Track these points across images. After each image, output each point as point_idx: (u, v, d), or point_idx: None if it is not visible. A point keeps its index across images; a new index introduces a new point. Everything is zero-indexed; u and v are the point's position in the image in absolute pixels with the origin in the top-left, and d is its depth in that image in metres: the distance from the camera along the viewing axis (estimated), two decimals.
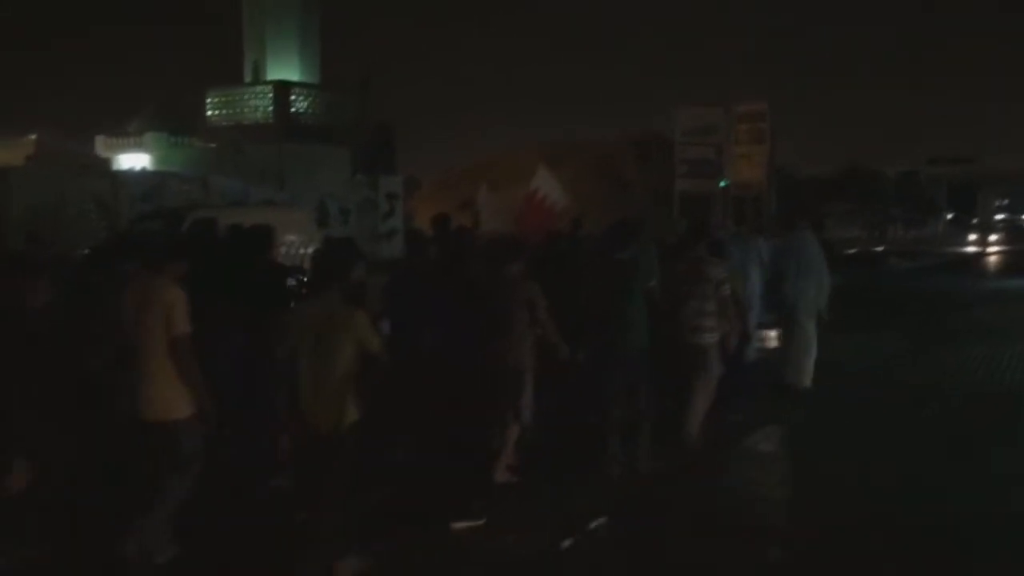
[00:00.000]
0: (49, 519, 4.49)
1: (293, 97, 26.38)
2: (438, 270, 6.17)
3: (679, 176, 34.46)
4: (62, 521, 4.55)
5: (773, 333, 9.88)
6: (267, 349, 4.43)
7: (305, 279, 6.65)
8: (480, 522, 5.22)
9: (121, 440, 4.59)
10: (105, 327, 4.68)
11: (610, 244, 6.36)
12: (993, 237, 47.58)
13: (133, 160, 29.51)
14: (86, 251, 6.51)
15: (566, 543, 5.07)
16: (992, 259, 33.16)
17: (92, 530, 4.60)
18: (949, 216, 59.90)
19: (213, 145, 27.60)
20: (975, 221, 59.63)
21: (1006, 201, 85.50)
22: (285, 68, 26.56)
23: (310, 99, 27.06)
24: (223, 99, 27.44)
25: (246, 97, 27.18)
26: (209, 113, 27.48)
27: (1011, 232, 52.57)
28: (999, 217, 73.71)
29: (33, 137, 29.93)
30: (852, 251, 35.79)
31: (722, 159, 33.79)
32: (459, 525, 5.20)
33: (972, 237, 47.94)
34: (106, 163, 30.05)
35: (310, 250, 17.86)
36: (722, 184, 33.37)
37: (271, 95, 26.23)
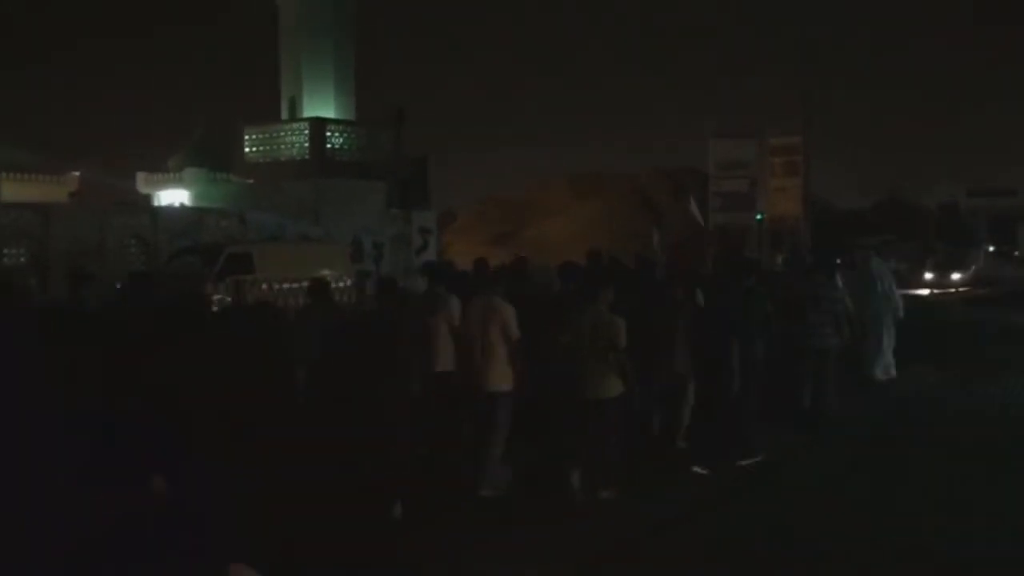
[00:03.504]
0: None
1: (328, 133, 26.52)
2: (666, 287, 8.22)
3: (713, 210, 34.28)
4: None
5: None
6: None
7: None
8: (759, 459, 7.36)
9: (458, 407, 6.68)
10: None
11: (737, 276, 8.22)
12: (957, 276, 35.72)
13: (173, 196, 29.92)
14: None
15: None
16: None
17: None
18: (990, 249, 58.85)
19: (251, 181, 27.87)
20: (1017, 254, 58.46)
21: None
22: (321, 105, 26.83)
23: (345, 135, 27.17)
24: (260, 136, 27.67)
25: (282, 134, 27.39)
26: (247, 150, 27.69)
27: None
28: None
29: (76, 174, 30.52)
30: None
31: (756, 192, 33.59)
32: (745, 462, 7.31)
33: (928, 276, 34.13)
34: (146, 199, 30.51)
35: (344, 284, 18.03)
36: (758, 217, 33.12)
37: (307, 132, 26.43)
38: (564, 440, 6.82)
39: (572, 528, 5.99)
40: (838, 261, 11.40)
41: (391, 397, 6.08)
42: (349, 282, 18.56)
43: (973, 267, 38.44)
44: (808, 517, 6.27)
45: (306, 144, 27.24)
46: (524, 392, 6.50)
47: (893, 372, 11.37)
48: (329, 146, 27.24)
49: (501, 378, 6.46)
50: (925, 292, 30.43)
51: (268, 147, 28.09)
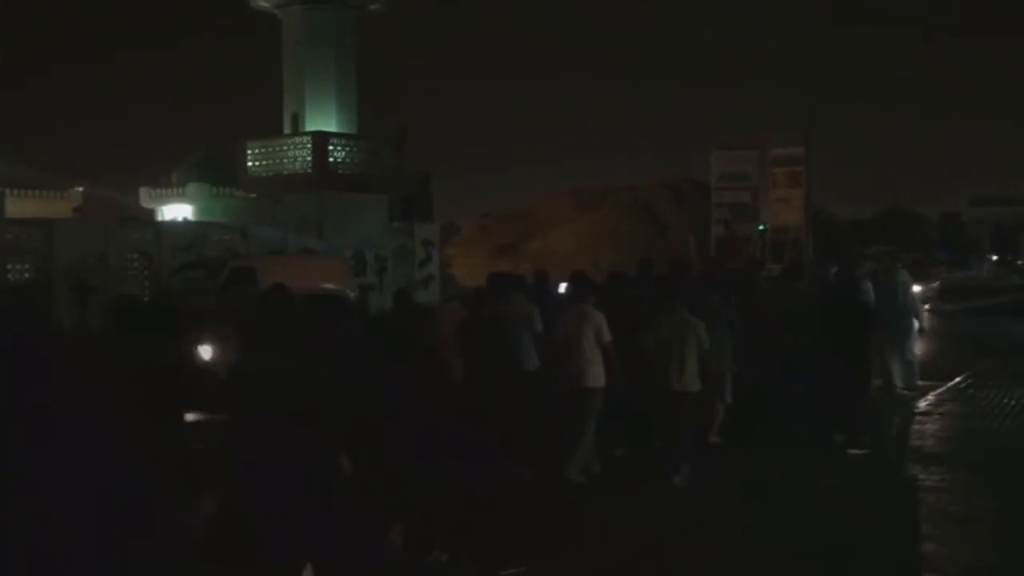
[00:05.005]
0: None
1: (331, 147, 26.55)
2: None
3: (716, 221, 34.30)
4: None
5: None
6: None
7: None
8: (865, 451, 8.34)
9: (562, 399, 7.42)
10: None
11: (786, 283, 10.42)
12: (916, 289, 26.80)
13: (176, 211, 29.95)
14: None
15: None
16: None
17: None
18: (994, 258, 58.76)
19: (254, 195, 27.91)
20: (1021, 263, 58.38)
21: None
22: (323, 119, 26.89)
23: (348, 149, 27.19)
24: (263, 150, 27.71)
25: (285, 148, 27.41)
26: (249, 164, 27.70)
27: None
28: None
29: (80, 189, 30.59)
30: None
31: (759, 203, 33.59)
32: (854, 452, 8.25)
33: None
34: (150, 214, 30.55)
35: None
36: (761, 228, 33.11)
37: (309, 146, 26.49)
38: (659, 438, 7.85)
39: (603, 523, 6.25)
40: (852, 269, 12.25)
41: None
42: (352, 295, 18.57)
43: (937, 281, 35.27)
44: (817, 524, 6.26)
45: (309, 158, 27.28)
46: (614, 389, 7.36)
47: (904, 381, 11.65)
48: (332, 160, 27.28)
49: (596, 376, 7.35)
50: None
51: (271, 161, 28.14)
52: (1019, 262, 57.55)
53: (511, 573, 5.32)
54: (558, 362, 7.48)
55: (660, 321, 7.64)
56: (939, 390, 11.61)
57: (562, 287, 9.70)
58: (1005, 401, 10.83)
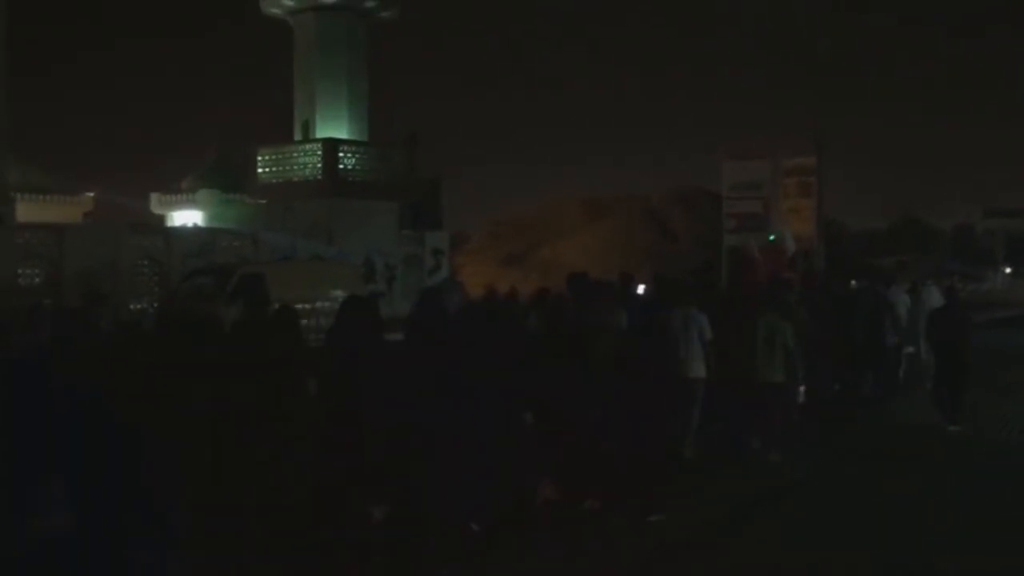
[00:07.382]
0: None
1: (341, 154, 26.65)
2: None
3: (727, 231, 34.13)
4: None
5: None
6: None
7: None
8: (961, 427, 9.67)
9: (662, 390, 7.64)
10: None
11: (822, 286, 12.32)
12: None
13: (186, 217, 30.00)
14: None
15: None
16: None
17: None
18: (1007, 270, 58.41)
19: (264, 202, 27.93)
20: None
21: None
22: (334, 126, 26.97)
23: (358, 156, 27.23)
24: (274, 157, 27.83)
25: (296, 155, 27.52)
26: (260, 171, 27.83)
27: None
28: None
29: (91, 195, 30.68)
30: None
31: (769, 213, 33.42)
32: (954, 428, 9.60)
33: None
34: (160, 220, 30.60)
35: None
36: (771, 238, 32.92)
37: (320, 152, 26.57)
38: (745, 416, 8.61)
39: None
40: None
41: None
42: None
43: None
44: (824, 534, 6.17)
45: (319, 165, 27.31)
46: (715, 379, 8.22)
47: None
48: (342, 167, 27.29)
49: (698, 368, 8.24)
50: None
51: (281, 168, 28.19)
52: None
53: (656, 519, 6.27)
54: (667, 357, 8.11)
55: (752, 321, 8.54)
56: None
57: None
58: (1020, 413, 10.72)
